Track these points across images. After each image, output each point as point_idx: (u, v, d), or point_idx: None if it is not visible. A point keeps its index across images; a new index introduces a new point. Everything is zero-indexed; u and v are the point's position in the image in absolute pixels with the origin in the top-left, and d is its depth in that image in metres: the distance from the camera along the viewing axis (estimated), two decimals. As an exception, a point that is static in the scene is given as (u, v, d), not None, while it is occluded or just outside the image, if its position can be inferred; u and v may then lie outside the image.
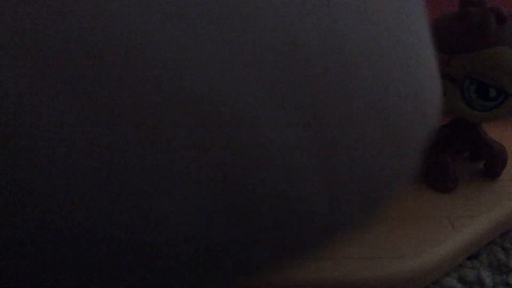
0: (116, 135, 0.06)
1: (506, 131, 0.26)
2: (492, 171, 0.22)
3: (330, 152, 0.08)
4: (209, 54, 0.06)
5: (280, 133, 0.07)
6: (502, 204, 0.20)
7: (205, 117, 0.07)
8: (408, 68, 0.09)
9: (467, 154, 0.24)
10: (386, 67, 0.09)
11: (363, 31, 0.08)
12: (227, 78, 0.07)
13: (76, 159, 0.06)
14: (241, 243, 0.08)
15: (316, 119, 0.08)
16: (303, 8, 0.07)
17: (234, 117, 0.07)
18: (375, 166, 0.09)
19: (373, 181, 0.09)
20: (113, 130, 0.06)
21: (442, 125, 0.22)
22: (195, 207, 0.07)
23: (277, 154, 0.08)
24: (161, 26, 0.06)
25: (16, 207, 0.06)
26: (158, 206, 0.07)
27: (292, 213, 0.08)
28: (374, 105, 0.09)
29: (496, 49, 0.17)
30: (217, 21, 0.06)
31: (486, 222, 0.20)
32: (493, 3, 0.30)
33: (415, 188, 0.21)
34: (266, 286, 0.16)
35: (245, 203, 0.07)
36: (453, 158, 0.21)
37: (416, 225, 0.19)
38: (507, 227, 0.20)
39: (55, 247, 0.07)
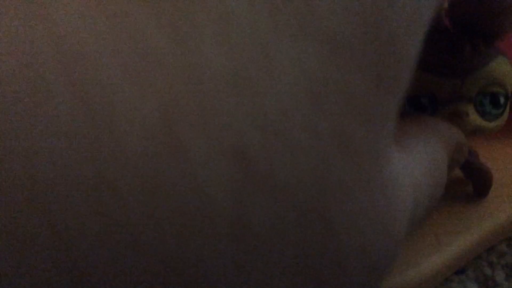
0: None
1: (497, 144, 0.27)
2: (481, 192, 0.22)
3: None
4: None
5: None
6: (487, 220, 0.21)
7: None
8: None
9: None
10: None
11: None
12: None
13: None
14: None
15: None
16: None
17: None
18: None
19: None
20: None
21: None
22: None
23: None
24: None
25: None
26: None
27: None
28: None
29: (498, 59, 0.18)
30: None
31: (472, 237, 0.20)
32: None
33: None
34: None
35: None
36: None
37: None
38: (493, 242, 0.21)
39: None
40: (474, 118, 0.18)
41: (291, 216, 0.08)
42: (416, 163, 0.12)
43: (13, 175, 0.06)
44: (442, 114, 0.19)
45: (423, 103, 0.19)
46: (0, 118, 0.06)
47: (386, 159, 0.09)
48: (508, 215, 0.21)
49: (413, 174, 0.11)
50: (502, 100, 0.19)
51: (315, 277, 0.09)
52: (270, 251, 0.08)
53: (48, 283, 0.07)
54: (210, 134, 0.07)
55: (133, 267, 0.07)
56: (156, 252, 0.07)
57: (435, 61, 0.19)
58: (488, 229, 0.21)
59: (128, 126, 0.07)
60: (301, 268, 0.09)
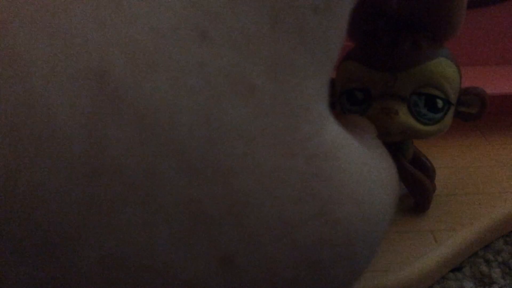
0: None
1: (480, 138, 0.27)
2: (420, 206, 0.21)
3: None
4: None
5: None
6: (483, 217, 0.21)
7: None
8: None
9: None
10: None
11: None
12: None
13: None
14: None
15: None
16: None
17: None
18: None
19: None
20: None
21: None
22: None
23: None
24: None
25: None
26: None
27: None
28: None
29: (439, 59, 0.17)
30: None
31: (469, 235, 0.20)
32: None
33: (397, 203, 0.22)
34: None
35: None
36: None
37: (398, 239, 0.19)
38: (489, 240, 0.21)
39: None
40: (405, 118, 0.18)
41: (171, 162, 0.07)
42: (375, 162, 0.11)
43: None
44: (373, 110, 0.18)
45: (358, 97, 0.18)
46: None
47: (307, 120, 0.09)
48: (505, 212, 0.21)
49: (372, 171, 0.11)
50: (440, 104, 0.18)
51: (215, 243, 0.08)
52: (141, 199, 0.07)
53: None
54: (59, 47, 0.07)
55: None
56: None
57: (371, 53, 0.18)
58: (484, 226, 0.20)
59: None
60: (191, 228, 0.08)
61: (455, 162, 0.25)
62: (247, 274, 0.08)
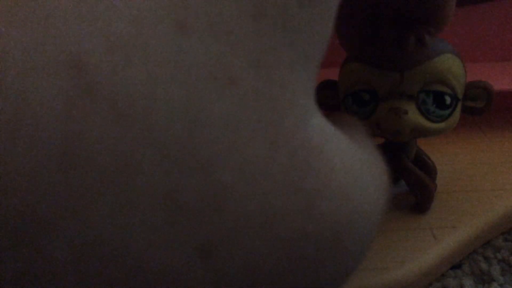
0: None
1: (483, 139, 0.27)
2: (421, 206, 0.21)
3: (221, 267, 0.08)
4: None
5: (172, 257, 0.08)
6: (483, 214, 0.21)
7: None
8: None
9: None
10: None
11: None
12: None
13: None
14: None
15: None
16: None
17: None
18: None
19: None
20: None
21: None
22: None
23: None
24: None
25: None
26: None
27: None
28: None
29: (445, 55, 0.17)
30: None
31: (468, 232, 0.20)
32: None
33: (396, 200, 0.22)
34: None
35: None
36: None
37: (398, 236, 0.19)
38: (489, 237, 0.21)
39: None
40: (415, 117, 0.17)
41: (146, 153, 0.07)
42: (364, 158, 0.11)
43: None
44: (381, 110, 0.18)
45: (364, 98, 0.18)
46: None
47: (290, 114, 0.09)
48: (504, 209, 0.21)
49: (360, 166, 0.10)
50: (448, 100, 0.18)
51: (199, 235, 0.08)
52: (115, 190, 0.07)
53: None
54: (36, 38, 0.07)
55: None
56: None
57: (376, 53, 0.18)
58: (484, 224, 0.20)
59: None
60: (172, 218, 0.08)
61: (454, 159, 0.25)
62: (226, 267, 0.08)
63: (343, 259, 0.09)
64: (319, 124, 0.09)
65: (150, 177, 0.07)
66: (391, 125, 0.18)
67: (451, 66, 0.17)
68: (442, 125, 0.18)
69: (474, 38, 0.31)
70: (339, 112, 0.18)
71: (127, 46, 0.07)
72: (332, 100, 0.20)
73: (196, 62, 0.07)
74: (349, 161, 0.10)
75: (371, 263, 0.18)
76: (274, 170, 0.08)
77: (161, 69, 0.07)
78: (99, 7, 0.07)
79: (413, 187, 0.20)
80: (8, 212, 0.07)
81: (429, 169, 0.21)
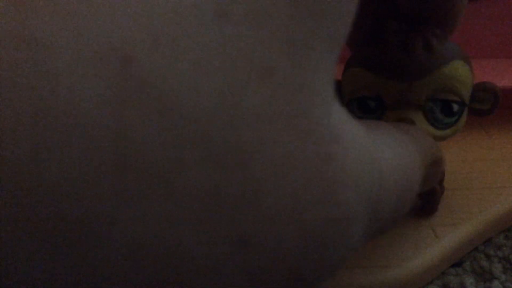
0: None
1: (490, 139, 0.27)
2: (427, 211, 0.20)
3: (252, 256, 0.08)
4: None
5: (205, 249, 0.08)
6: (484, 212, 0.21)
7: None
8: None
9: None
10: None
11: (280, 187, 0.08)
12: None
13: None
14: None
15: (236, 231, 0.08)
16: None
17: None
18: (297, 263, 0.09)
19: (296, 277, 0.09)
20: None
21: None
22: None
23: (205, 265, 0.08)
24: None
25: None
26: None
27: None
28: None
29: (455, 63, 0.17)
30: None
31: (469, 230, 0.20)
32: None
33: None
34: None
35: None
36: None
37: (399, 234, 0.19)
38: (490, 235, 0.21)
39: None
40: (422, 125, 0.17)
41: (194, 150, 0.07)
42: (381, 149, 0.11)
43: None
44: (388, 119, 0.17)
45: (370, 106, 0.18)
46: None
47: (319, 103, 0.09)
48: (505, 207, 0.21)
49: (375, 156, 0.11)
50: (455, 108, 0.17)
51: (233, 236, 0.08)
52: (166, 188, 0.07)
53: None
54: (82, 32, 0.07)
55: None
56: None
57: (383, 60, 0.17)
58: (485, 221, 0.20)
59: None
60: (213, 218, 0.08)
61: (456, 156, 0.25)
62: (261, 255, 0.08)
63: (350, 240, 0.10)
64: (338, 113, 0.09)
65: (198, 172, 0.07)
66: None
67: (460, 74, 0.17)
68: (448, 131, 0.18)
69: (475, 34, 0.31)
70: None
71: (172, 38, 0.07)
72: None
73: (238, 52, 0.07)
74: (365, 149, 0.10)
75: (372, 261, 0.18)
76: (302, 161, 0.08)
77: (206, 60, 0.07)
78: (146, 4, 0.07)
79: (423, 193, 0.20)
80: (66, 217, 0.07)
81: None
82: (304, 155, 0.08)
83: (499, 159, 0.24)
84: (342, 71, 0.19)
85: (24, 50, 0.06)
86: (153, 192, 0.07)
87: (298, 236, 0.09)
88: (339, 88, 0.19)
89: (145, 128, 0.07)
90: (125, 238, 0.07)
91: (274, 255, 0.08)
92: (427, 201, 0.20)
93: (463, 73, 0.17)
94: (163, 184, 0.07)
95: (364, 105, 0.18)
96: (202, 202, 0.08)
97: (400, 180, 0.12)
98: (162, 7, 0.07)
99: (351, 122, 0.10)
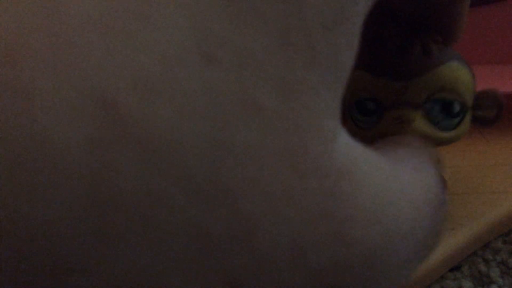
0: None
1: (487, 144, 0.27)
2: None
3: None
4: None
5: None
6: (482, 216, 0.21)
7: None
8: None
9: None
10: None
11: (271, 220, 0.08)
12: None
13: None
14: None
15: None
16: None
17: None
18: None
19: None
20: None
21: None
22: None
23: None
24: None
25: None
26: None
27: None
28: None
29: (451, 63, 0.17)
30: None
31: (467, 234, 0.20)
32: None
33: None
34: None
35: None
36: None
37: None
38: (488, 239, 0.21)
39: None
40: (421, 126, 0.17)
41: (177, 188, 0.07)
42: (404, 175, 0.11)
43: None
44: (386, 120, 0.17)
45: (369, 107, 0.18)
46: None
47: (318, 140, 0.08)
48: (503, 211, 0.21)
49: (399, 181, 0.10)
50: (456, 108, 0.17)
51: (225, 273, 0.08)
52: (146, 227, 0.07)
53: None
54: (63, 76, 0.07)
55: None
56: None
57: (378, 61, 0.17)
58: (483, 226, 0.20)
59: None
60: (202, 255, 0.08)
61: (453, 161, 0.25)
62: None
63: (379, 284, 0.09)
64: (346, 145, 0.09)
65: (180, 212, 0.07)
66: (397, 134, 0.17)
67: (458, 74, 0.17)
68: (451, 134, 0.18)
69: (476, 40, 0.32)
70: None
71: (154, 81, 0.07)
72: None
73: (224, 93, 0.07)
74: (381, 181, 0.10)
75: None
76: (303, 198, 0.08)
77: (190, 103, 0.07)
78: (129, 45, 0.07)
79: None
80: (43, 259, 0.07)
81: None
82: (305, 192, 0.08)
83: (496, 164, 0.25)
84: None
85: (8, 96, 0.06)
86: (133, 231, 0.07)
87: (303, 280, 0.08)
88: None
89: (125, 168, 0.07)
90: (103, 278, 0.07)
91: None
92: None
93: (462, 73, 0.17)
94: (143, 225, 0.07)
95: (363, 107, 0.18)
96: (187, 240, 0.07)
97: (428, 201, 0.11)
98: (147, 50, 0.07)
99: (364, 152, 0.10)
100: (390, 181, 0.10)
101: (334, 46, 0.09)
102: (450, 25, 0.16)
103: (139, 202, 0.07)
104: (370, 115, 0.18)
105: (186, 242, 0.07)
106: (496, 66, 0.32)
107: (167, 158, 0.07)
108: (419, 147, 0.14)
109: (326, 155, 0.08)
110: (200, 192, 0.07)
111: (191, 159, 0.07)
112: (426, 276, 0.18)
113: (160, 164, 0.07)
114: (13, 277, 0.07)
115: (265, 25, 0.08)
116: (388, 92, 0.17)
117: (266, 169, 0.08)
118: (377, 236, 0.09)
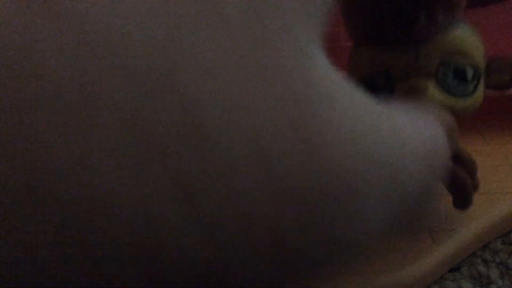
0: None
1: (484, 145, 0.27)
2: (460, 205, 0.19)
3: (200, 206, 0.08)
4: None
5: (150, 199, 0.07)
6: (481, 217, 0.21)
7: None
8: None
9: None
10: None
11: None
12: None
13: None
14: None
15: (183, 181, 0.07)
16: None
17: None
18: (256, 212, 0.08)
19: (255, 228, 0.08)
20: None
21: None
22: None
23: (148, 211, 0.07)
24: None
25: None
26: None
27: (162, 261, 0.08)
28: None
29: (459, 26, 0.17)
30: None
31: (467, 235, 0.20)
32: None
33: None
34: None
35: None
36: None
37: (397, 239, 0.19)
38: (487, 240, 0.21)
39: None
40: (436, 93, 0.17)
41: (118, 79, 0.07)
42: (398, 114, 0.11)
43: None
44: (399, 92, 0.17)
45: (379, 82, 0.17)
46: None
47: (295, 55, 0.08)
48: (502, 212, 0.21)
49: (390, 121, 0.10)
50: (470, 73, 0.17)
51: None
52: (82, 125, 0.07)
53: None
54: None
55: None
56: None
57: (386, 32, 0.17)
58: (482, 227, 0.20)
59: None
60: None
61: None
62: (214, 213, 0.08)
63: (360, 216, 0.09)
64: (326, 69, 0.09)
65: (116, 102, 0.07)
66: None
67: (467, 37, 0.17)
68: (467, 101, 0.17)
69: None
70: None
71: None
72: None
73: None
74: (370, 114, 0.10)
75: (372, 266, 0.18)
76: (271, 106, 0.08)
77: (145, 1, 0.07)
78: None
79: (449, 183, 0.19)
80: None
81: (468, 166, 0.19)
82: (272, 100, 0.08)
83: (496, 165, 0.25)
84: (348, 61, 0.18)
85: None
86: (64, 129, 0.07)
87: (266, 190, 0.08)
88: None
89: (56, 57, 0.07)
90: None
91: (235, 216, 0.08)
92: (457, 196, 0.19)
93: (469, 36, 0.17)
94: (77, 118, 0.07)
95: (372, 84, 0.18)
96: (125, 136, 0.07)
97: (424, 144, 0.11)
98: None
99: (344, 82, 0.10)
100: (378, 116, 0.10)
101: None
102: None
103: (71, 92, 0.07)
104: (380, 90, 0.18)
105: (123, 139, 0.07)
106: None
107: (104, 49, 0.07)
108: (428, 107, 0.13)
109: (301, 74, 0.08)
110: (144, 86, 0.07)
111: (136, 56, 0.07)
112: (425, 277, 0.18)
113: (97, 55, 0.07)
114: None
115: None
116: (398, 61, 0.17)
117: (227, 83, 0.07)
118: (352, 157, 0.09)
